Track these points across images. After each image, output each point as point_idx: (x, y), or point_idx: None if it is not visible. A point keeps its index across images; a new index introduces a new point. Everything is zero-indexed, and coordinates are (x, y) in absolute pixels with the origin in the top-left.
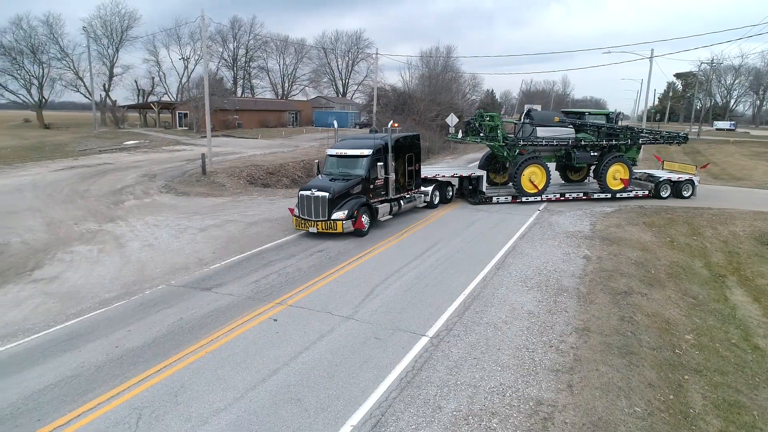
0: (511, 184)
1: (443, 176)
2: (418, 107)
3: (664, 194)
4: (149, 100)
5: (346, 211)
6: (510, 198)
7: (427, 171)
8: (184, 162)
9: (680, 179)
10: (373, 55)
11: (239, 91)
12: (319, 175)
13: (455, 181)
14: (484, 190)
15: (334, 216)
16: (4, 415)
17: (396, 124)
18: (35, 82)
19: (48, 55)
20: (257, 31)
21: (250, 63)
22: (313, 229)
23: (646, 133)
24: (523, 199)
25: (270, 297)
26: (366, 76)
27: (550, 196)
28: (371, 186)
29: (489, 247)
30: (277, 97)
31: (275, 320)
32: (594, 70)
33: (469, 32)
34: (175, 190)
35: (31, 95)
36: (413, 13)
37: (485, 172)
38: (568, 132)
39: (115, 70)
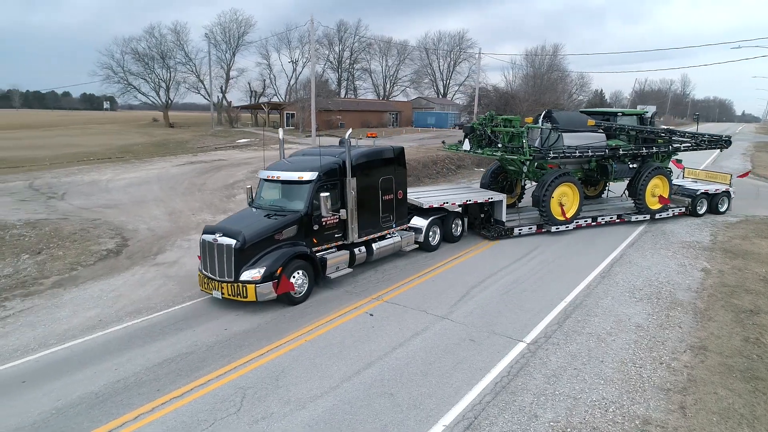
0: (538, 209)
1: (445, 203)
2: (521, 108)
3: (701, 210)
4: (260, 101)
5: (262, 269)
6: (535, 228)
7: (422, 196)
8: None
9: (717, 191)
10: (476, 55)
11: (343, 92)
12: (252, 207)
13: (460, 208)
14: (503, 218)
15: (244, 276)
16: (129, 383)
17: (374, 134)
18: (163, 84)
19: (174, 60)
20: (362, 33)
21: (354, 65)
22: (217, 294)
23: (688, 136)
24: (552, 229)
25: (367, 292)
26: (467, 76)
27: (580, 221)
28: (316, 226)
29: (593, 254)
30: (378, 98)
31: (371, 315)
32: (718, 67)
33: (578, 30)
34: None
35: (159, 97)
36: (518, 12)
37: (504, 195)
38: (600, 138)
39: (231, 73)
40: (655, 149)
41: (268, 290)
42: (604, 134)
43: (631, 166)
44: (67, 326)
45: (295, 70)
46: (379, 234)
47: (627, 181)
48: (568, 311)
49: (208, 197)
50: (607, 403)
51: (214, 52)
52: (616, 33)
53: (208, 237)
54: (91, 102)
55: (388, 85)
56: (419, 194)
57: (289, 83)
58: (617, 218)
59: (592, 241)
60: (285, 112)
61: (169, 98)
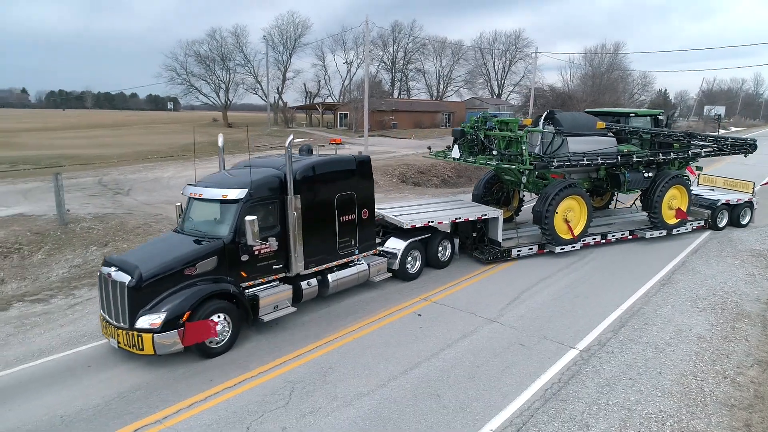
0: (540, 227)
1: (430, 222)
2: (579, 109)
3: (721, 223)
4: (315, 101)
5: (163, 314)
6: (536, 248)
7: (404, 213)
8: None
9: (739, 201)
10: (532, 55)
11: (396, 92)
12: (176, 232)
13: (447, 226)
14: (499, 238)
15: (140, 323)
16: (179, 374)
17: (338, 140)
18: (223, 86)
19: (234, 62)
20: (416, 33)
21: (408, 65)
22: (113, 342)
23: (709, 141)
24: (557, 249)
25: (415, 292)
26: (523, 76)
27: (587, 239)
28: (245, 256)
29: (651, 261)
30: (431, 99)
31: (419, 315)
32: None
33: (641, 27)
34: None
35: (218, 98)
36: (577, 10)
37: (500, 211)
38: (610, 143)
39: (288, 74)
40: (672, 155)
41: (171, 341)
42: (614, 138)
43: (645, 174)
44: None
45: (349, 71)
46: (336, 263)
47: (639, 192)
48: (624, 319)
49: None
50: (664, 417)
51: (272, 53)
52: (682, 30)
53: (105, 270)
54: (156, 103)
55: (441, 86)
56: (401, 210)
57: (343, 84)
58: (629, 234)
59: (650, 246)
60: (338, 113)
61: (228, 99)
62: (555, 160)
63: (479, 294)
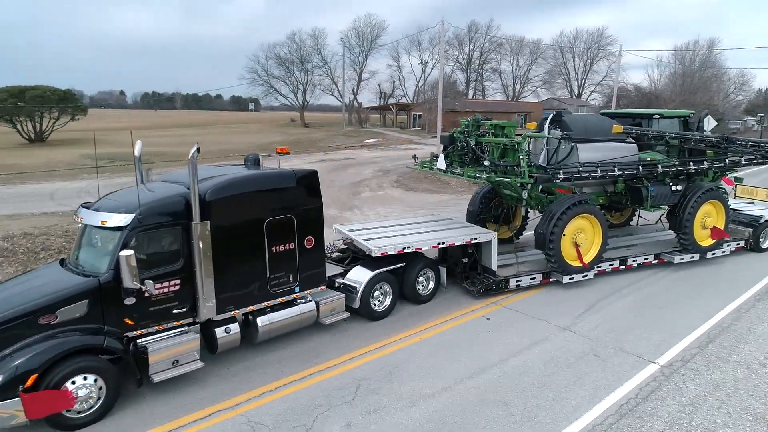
0: (544, 252)
1: (406, 249)
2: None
3: (765, 243)
4: (388, 102)
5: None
6: (540, 278)
7: (377, 235)
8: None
9: None
10: (615, 53)
11: (470, 93)
12: (67, 261)
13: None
14: (494, 266)
15: None
16: (267, 361)
17: (285, 149)
18: (300, 87)
19: (312, 64)
20: (493, 33)
21: (483, 65)
22: None
23: (750, 147)
24: (565, 279)
25: (485, 296)
26: (605, 75)
27: (603, 265)
28: (128, 300)
29: (745, 273)
30: (507, 99)
31: (488, 319)
32: None
33: (739, 21)
34: (404, 185)
35: (296, 98)
36: (666, 4)
37: (494, 234)
38: (629, 151)
39: (363, 75)
40: (706, 164)
41: (9, 411)
42: (635, 145)
43: (673, 187)
44: None
45: (423, 71)
46: (267, 303)
47: (667, 209)
48: (712, 335)
49: (336, 193)
50: None
51: (348, 55)
52: None
53: None
54: (238, 104)
55: (518, 86)
56: (375, 232)
57: (417, 84)
58: (654, 259)
59: (745, 256)
60: (412, 113)
61: (306, 100)
62: (561, 171)
63: (552, 300)
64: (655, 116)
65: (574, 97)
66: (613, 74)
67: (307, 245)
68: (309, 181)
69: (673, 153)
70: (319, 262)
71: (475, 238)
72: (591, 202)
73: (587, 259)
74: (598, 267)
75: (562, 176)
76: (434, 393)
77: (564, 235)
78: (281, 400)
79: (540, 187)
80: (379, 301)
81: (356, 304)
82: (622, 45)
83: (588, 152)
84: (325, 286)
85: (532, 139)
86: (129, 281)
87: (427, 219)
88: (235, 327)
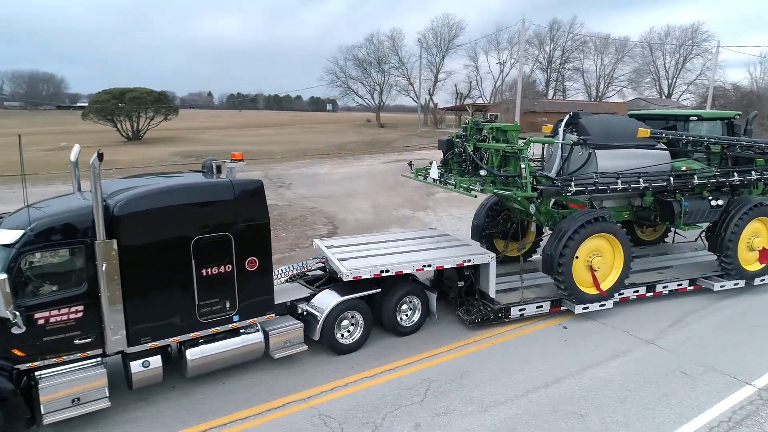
0: (552, 278)
1: (384, 272)
2: None
3: None
4: (465, 102)
5: None
6: (548, 306)
7: (354, 253)
8: None
9: None
10: (712, 50)
11: (550, 93)
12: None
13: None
14: (491, 293)
15: None
16: (339, 357)
17: (239, 156)
18: (377, 88)
19: (389, 65)
20: (576, 31)
21: (565, 65)
22: None
23: None
24: (578, 309)
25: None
26: (700, 74)
27: (627, 292)
28: (16, 329)
29: None
30: (589, 99)
31: (565, 328)
32: None
33: None
34: None
35: (372, 99)
36: None
37: (492, 256)
38: (659, 158)
39: (439, 76)
40: (754, 174)
41: None
42: (667, 151)
43: (713, 202)
44: None
45: (502, 71)
46: (196, 334)
47: (705, 226)
48: None
49: (409, 194)
50: None
51: (425, 56)
52: None
53: None
54: (317, 104)
55: (601, 86)
56: (356, 250)
57: (494, 85)
58: (689, 285)
59: None
60: (489, 114)
61: (382, 100)
62: (572, 183)
63: (635, 312)
64: (692, 118)
65: (663, 97)
66: (709, 72)
67: (249, 267)
68: (252, 194)
69: (715, 161)
70: (265, 288)
71: (470, 260)
72: (610, 219)
73: (605, 285)
74: (620, 294)
75: (573, 188)
76: (506, 400)
77: (577, 257)
78: (351, 396)
79: (551, 200)
80: (347, 332)
81: (316, 336)
82: (719, 41)
83: (609, 160)
84: (273, 315)
85: (546, 145)
86: (1, 308)
87: (423, 235)
88: (155, 360)
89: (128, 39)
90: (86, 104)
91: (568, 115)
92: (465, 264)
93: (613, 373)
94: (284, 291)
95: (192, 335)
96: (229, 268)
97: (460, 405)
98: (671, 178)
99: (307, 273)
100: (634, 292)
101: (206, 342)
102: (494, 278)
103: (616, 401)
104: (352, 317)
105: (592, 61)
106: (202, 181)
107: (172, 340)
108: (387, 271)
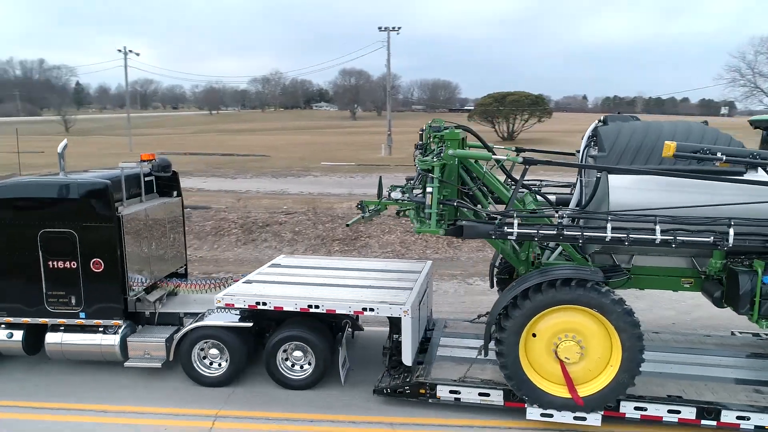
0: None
1: (261, 303)
2: None
3: None
4: None
5: None
6: (501, 398)
7: (279, 279)
8: None
9: None
10: None
11: None
12: None
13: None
14: (408, 360)
15: None
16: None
17: (150, 156)
18: None
19: None
20: None
21: None
22: None
23: None
24: (532, 413)
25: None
26: None
27: (626, 408)
28: None
29: None
30: None
31: None
32: None
33: None
34: None
35: None
36: None
37: (403, 308)
38: (736, 193)
39: None
40: None
41: None
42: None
43: None
44: None
45: None
46: (45, 321)
47: None
48: None
49: None
50: None
51: None
52: None
53: None
54: (708, 107)
55: None
56: (289, 272)
57: None
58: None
59: None
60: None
61: None
62: (515, 216)
63: None
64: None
65: None
66: None
67: (95, 268)
68: (96, 196)
69: None
70: (113, 293)
71: (372, 308)
72: (599, 287)
73: (585, 390)
74: (608, 408)
75: (514, 228)
76: None
77: (534, 335)
78: None
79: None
80: (211, 363)
81: (170, 356)
82: None
83: (634, 192)
84: (120, 321)
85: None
86: None
87: (388, 268)
88: (15, 334)
89: (512, 47)
90: (472, 107)
91: (595, 121)
92: (365, 312)
93: None
94: (190, 302)
95: (41, 321)
96: (74, 264)
97: None
98: (731, 234)
99: None
100: (669, 411)
101: (67, 331)
102: (411, 339)
103: None
104: (214, 348)
105: None
106: (52, 179)
107: (23, 321)
108: (266, 303)
